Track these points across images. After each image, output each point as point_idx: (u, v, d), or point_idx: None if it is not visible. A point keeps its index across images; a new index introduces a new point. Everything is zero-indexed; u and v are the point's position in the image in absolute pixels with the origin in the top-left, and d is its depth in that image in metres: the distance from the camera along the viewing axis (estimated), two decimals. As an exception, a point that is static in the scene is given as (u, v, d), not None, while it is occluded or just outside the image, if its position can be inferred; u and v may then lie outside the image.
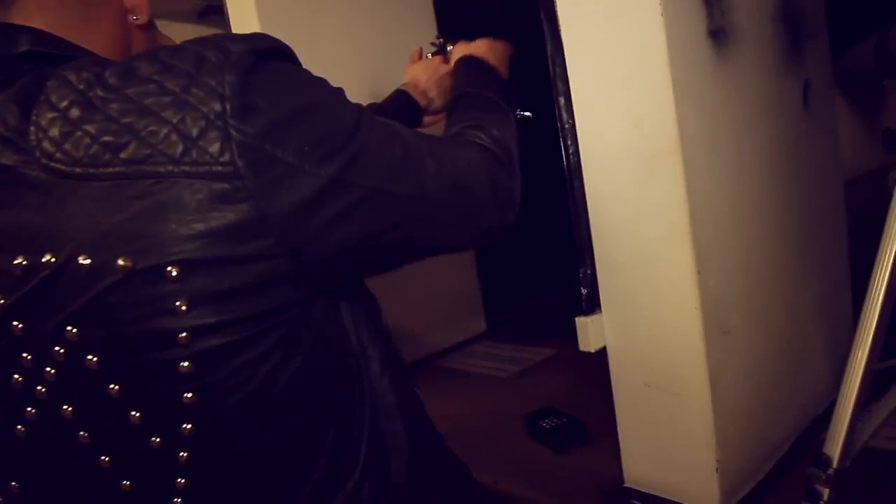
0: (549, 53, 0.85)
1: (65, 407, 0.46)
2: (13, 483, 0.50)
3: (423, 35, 1.54)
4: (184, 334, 0.43)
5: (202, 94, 0.42)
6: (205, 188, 0.42)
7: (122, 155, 0.42)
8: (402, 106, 1.12)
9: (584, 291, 0.86)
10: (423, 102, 1.14)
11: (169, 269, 0.42)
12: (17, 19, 0.50)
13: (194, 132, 0.42)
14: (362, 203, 0.49)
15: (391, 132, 0.56)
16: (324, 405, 0.52)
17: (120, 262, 0.41)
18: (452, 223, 0.60)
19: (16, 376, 0.46)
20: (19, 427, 0.47)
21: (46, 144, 0.43)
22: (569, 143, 0.85)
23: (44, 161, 0.43)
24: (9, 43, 0.48)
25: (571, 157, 0.85)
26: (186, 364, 0.43)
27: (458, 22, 1.59)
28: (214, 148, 0.42)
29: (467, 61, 0.94)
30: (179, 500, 0.47)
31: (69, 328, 0.43)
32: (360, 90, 1.35)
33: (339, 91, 0.53)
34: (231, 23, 1.40)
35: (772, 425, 0.87)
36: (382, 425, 0.57)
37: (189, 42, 0.46)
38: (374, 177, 0.50)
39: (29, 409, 0.46)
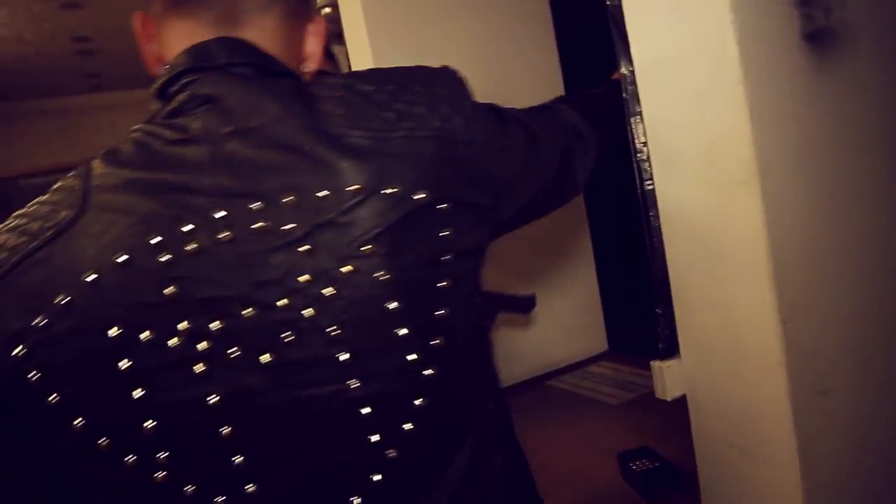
0: (620, 69, 0.77)
1: (331, 328, 0.48)
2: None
3: (539, 43, 1.48)
4: (448, 256, 0.53)
5: (441, 91, 0.57)
6: (450, 148, 0.54)
7: (402, 124, 0.53)
8: None
9: (660, 332, 0.77)
10: None
11: (444, 205, 0.52)
12: (247, 35, 0.57)
13: (443, 111, 0.55)
14: (537, 178, 0.67)
15: (548, 118, 0.74)
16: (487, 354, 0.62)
17: (415, 196, 0.51)
18: (554, 178, 0.72)
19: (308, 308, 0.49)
20: (266, 357, 0.48)
21: (336, 125, 0.53)
22: (645, 167, 0.77)
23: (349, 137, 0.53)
24: (253, 55, 0.56)
25: (646, 184, 0.77)
26: (445, 283, 0.53)
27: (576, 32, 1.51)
28: (457, 123, 0.55)
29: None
30: (411, 425, 0.52)
31: (365, 246, 0.49)
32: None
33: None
34: (346, 34, 1.44)
35: (897, 504, 0.72)
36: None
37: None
38: (543, 158, 0.68)
39: (288, 333, 0.48)
